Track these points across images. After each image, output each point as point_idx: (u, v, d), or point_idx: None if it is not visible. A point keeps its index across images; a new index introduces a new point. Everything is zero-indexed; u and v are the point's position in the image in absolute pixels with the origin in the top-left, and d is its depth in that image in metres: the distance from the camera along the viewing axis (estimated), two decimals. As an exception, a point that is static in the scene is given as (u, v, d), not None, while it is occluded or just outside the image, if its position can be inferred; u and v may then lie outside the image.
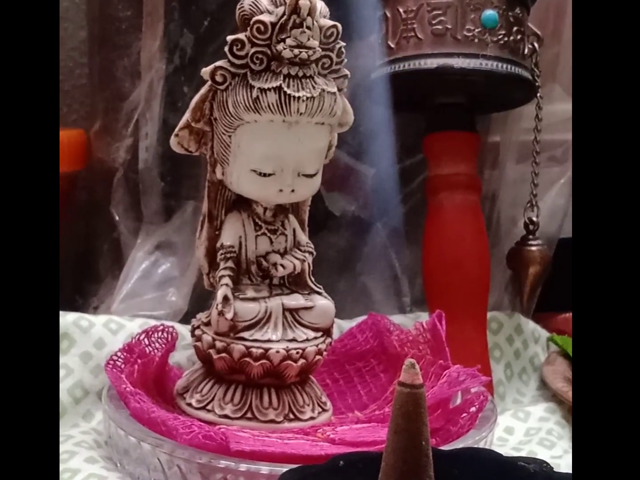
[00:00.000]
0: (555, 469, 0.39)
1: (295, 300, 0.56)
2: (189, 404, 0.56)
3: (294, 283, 0.57)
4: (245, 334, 0.54)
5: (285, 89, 0.51)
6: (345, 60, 0.54)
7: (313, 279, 0.57)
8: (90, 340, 0.63)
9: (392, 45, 0.68)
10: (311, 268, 0.58)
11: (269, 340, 0.54)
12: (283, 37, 0.51)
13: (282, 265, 0.56)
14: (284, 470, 0.39)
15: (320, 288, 0.57)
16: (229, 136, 0.53)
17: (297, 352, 0.54)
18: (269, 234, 0.57)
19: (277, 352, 0.54)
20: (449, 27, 0.66)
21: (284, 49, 0.51)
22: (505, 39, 0.66)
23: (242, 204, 0.57)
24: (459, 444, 0.50)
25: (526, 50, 0.69)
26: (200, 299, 0.70)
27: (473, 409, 0.53)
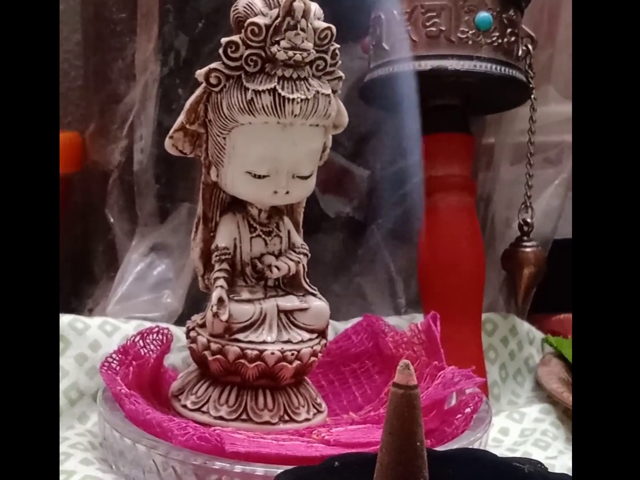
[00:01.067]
0: (550, 470, 0.39)
1: (290, 301, 0.56)
2: (184, 406, 0.56)
3: (289, 285, 0.57)
4: (240, 336, 0.54)
5: (280, 90, 0.51)
6: (340, 62, 0.54)
7: (308, 281, 0.58)
8: (85, 342, 0.63)
9: (386, 47, 0.68)
10: (306, 270, 0.58)
11: (263, 342, 0.54)
12: (277, 39, 0.51)
13: (276, 266, 0.56)
14: (279, 471, 0.39)
15: (315, 289, 0.57)
16: (224, 138, 0.53)
17: (292, 354, 0.54)
18: (263, 236, 0.57)
19: (272, 353, 0.54)
20: (443, 29, 0.66)
21: (278, 51, 0.51)
22: (499, 40, 0.66)
23: (236, 205, 0.57)
24: (453, 445, 0.50)
25: (520, 52, 0.69)
26: (196, 300, 0.70)
27: (468, 410, 0.53)
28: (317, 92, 0.52)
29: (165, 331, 0.61)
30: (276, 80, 0.51)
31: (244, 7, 0.52)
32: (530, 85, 0.70)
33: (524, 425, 0.65)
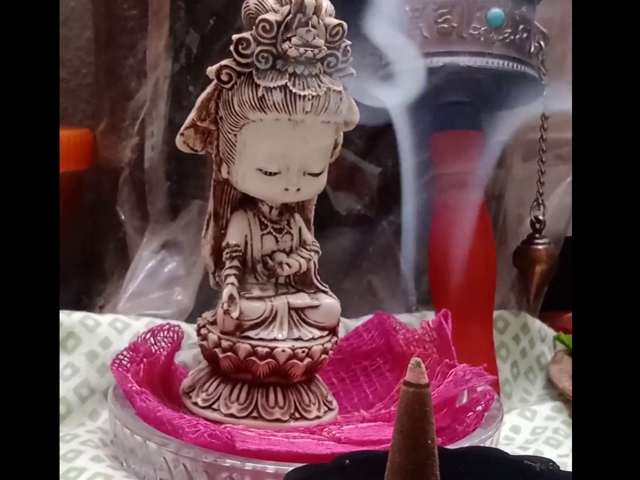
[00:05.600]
0: (561, 468, 0.39)
1: (301, 299, 0.56)
2: (195, 403, 0.56)
3: (300, 282, 0.57)
4: (251, 333, 0.54)
5: (291, 87, 0.51)
6: (351, 58, 0.54)
7: (319, 278, 0.57)
8: (96, 339, 0.63)
9: (398, 44, 0.68)
10: (317, 267, 0.57)
11: (274, 339, 0.54)
12: (289, 35, 0.51)
13: (287, 264, 0.56)
14: (290, 469, 0.38)
15: (326, 287, 0.57)
16: (235, 135, 0.53)
17: (303, 351, 0.54)
18: (274, 233, 0.57)
19: (283, 351, 0.54)
20: (455, 25, 0.65)
21: (290, 47, 0.51)
22: (512, 37, 0.66)
23: (247, 202, 0.57)
24: (465, 443, 0.50)
25: (532, 49, 0.69)
26: (206, 298, 0.70)
27: (479, 407, 0.53)
28: (329, 89, 0.52)
29: (176, 328, 0.61)
30: (287, 77, 0.51)
31: (255, 4, 0.52)
32: (543, 82, 0.70)
33: (535, 423, 0.65)
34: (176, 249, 0.73)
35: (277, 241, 0.57)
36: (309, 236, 0.58)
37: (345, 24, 0.52)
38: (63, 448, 0.54)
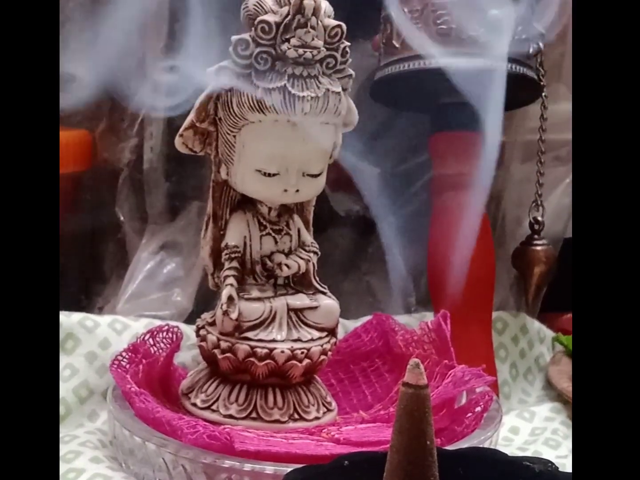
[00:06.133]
0: (560, 469, 0.39)
1: (299, 300, 0.56)
2: (194, 404, 0.56)
3: (299, 283, 0.57)
4: (250, 334, 0.54)
5: (290, 88, 0.51)
6: (350, 59, 0.54)
7: (318, 279, 0.57)
8: (95, 340, 0.63)
9: (397, 45, 0.68)
10: (316, 268, 0.58)
11: (273, 340, 0.54)
12: (287, 37, 0.51)
13: (286, 265, 0.56)
14: (289, 470, 0.39)
15: (324, 288, 0.57)
16: (234, 136, 0.53)
17: (302, 352, 0.54)
18: (273, 234, 0.57)
19: (282, 352, 0.54)
20: (454, 26, 0.65)
21: (289, 48, 0.51)
22: (510, 38, 0.66)
23: (246, 204, 0.57)
24: (463, 444, 0.50)
25: (531, 50, 0.68)
26: (205, 299, 0.70)
27: (478, 408, 0.53)
28: (327, 90, 0.52)
29: (175, 329, 0.61)
30: (286, 78, 0.51)
31: (254, 5, 0.52)
32: (541, 83, 0.70)
33: (534, 424, 0.65)
34: (175, 250, 0.73)
35: (276, 242, 0.57)
36: (308, 237, 0.58)
37: (344, 25, 0.53)
38: (62, 449, 0.54)
